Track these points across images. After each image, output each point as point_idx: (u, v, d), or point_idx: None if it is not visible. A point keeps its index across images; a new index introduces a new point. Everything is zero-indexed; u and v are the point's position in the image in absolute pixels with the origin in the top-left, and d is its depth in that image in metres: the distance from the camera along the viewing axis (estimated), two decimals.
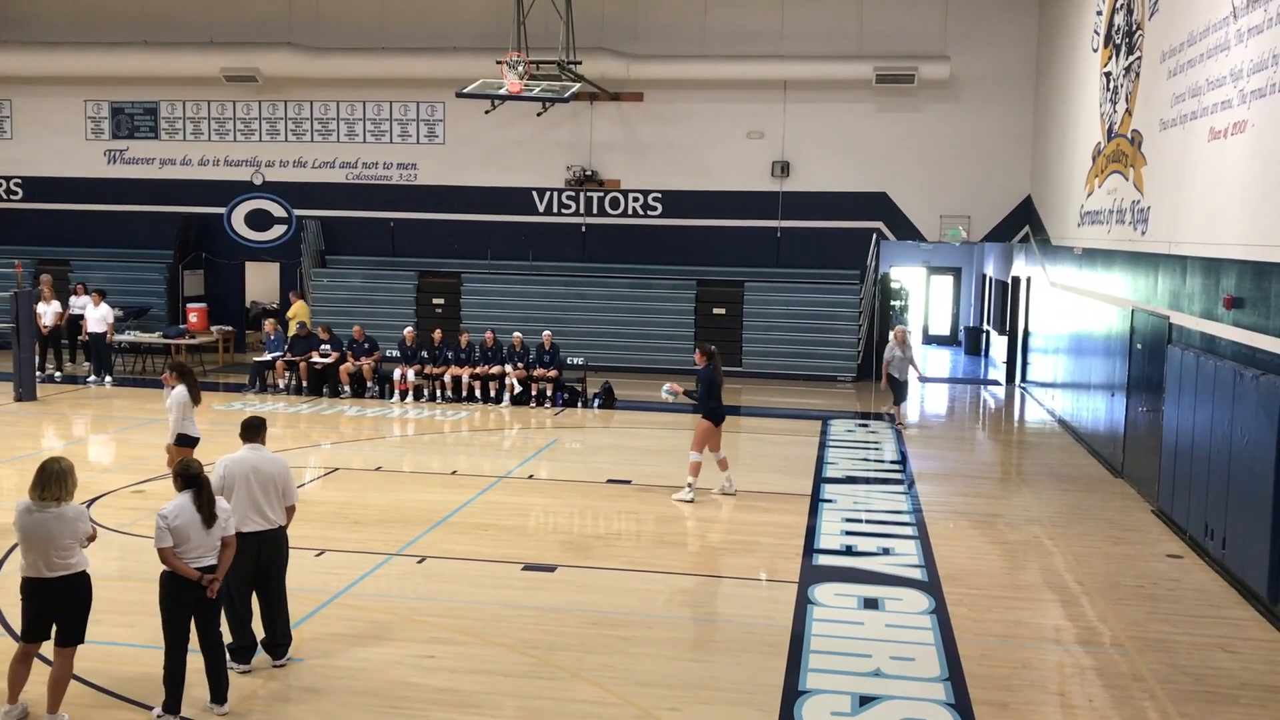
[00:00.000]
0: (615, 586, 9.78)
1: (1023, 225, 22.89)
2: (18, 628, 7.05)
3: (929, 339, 31.23)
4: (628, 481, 13.73)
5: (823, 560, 10.66)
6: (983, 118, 22.84)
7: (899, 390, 18.01)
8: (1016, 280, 23.76)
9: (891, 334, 18.57)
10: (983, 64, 22.69)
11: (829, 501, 12.91)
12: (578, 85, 20.86)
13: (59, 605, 6.77)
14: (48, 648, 6.90)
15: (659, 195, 24.08)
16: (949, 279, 31.73)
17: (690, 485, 12.80)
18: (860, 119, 23.26)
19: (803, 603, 9.38)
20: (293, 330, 22.26)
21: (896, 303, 29.23)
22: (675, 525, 11.80)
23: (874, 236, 23.36)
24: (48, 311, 20.74)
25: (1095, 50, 17.22)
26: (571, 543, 11.12)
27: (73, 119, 25.76)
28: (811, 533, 11.57)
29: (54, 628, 6.82)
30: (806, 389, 21.48)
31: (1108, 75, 16.33)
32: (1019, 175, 22.84)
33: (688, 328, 23.19)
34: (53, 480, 6.79)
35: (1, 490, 12.35)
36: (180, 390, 11.23)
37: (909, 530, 11.77)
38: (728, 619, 9.18)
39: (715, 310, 23.17)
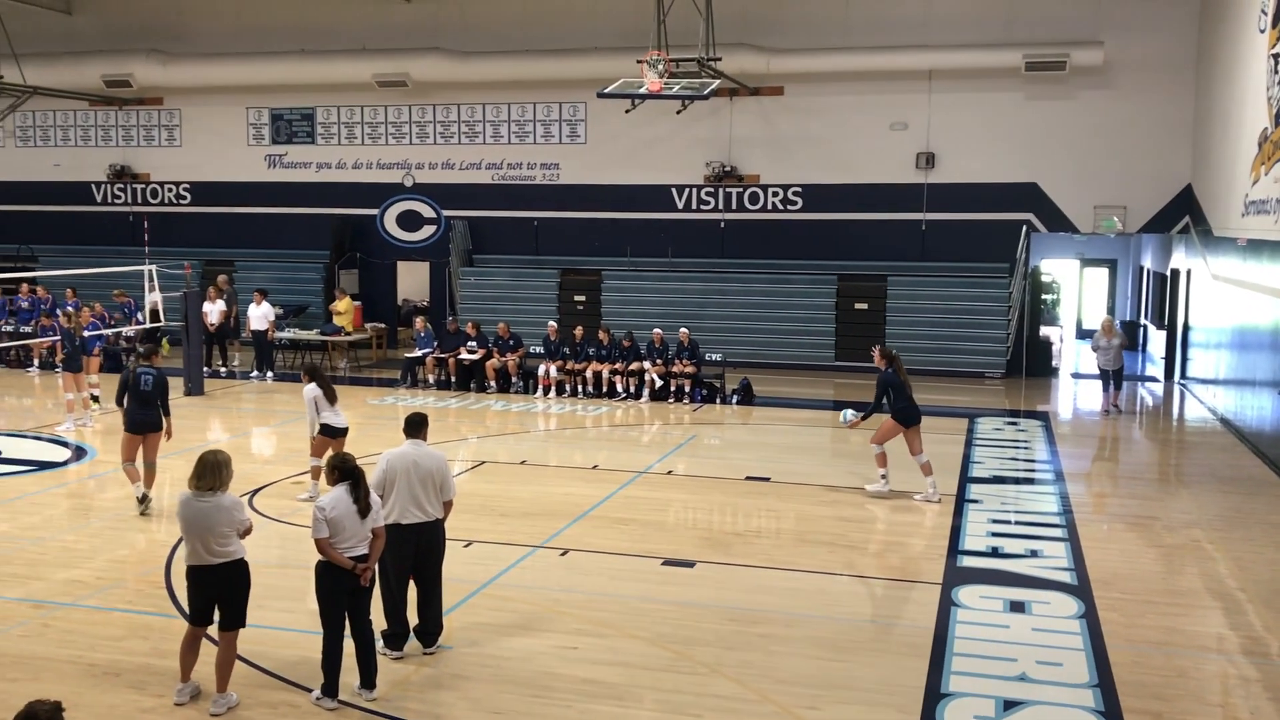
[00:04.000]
0: (754, 584, 9.80)
1: (1182, 215, 21.93)
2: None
3: (1082, 333, 30.18)
4: (767, 479, 13.72)
5: (967, 561, 10.46)
6: (1139, 104, 21.97)
7: (1105, 379, 18.70)
8: (1175, 272, 22.78)
9: (1100, 325, 19.22)
10: (1139, 49, 21.81)
11: (975, 502, 12.64)
12: (717, 82, 20.85)
13: (220, 591, 7.16)
14: (215, 631, 7.30)
15: (799, 189, 23.91)
16: (1104, 271, 30.60)
17: (883, 477, 12.79)
18: (1009, 108, 22.65)
19: (946, 604, 9.23)
20: (339, 321, 23.09)
21: (1048, 296, 28.34)
22: (816, 524, 11.74)
23: (1024, 228, 22.72)
24: (213, 310, 21.86)
25: (1262, 31, 16.37)
26: (710, 539, 11.17)
27: (236, 126, 27.07)
28: (956, 533, 11.36)
29: (217, 612, 7.23)
30: (953, 386, 21.03)
31: (1276, 57, 15.51)
32: (1178, 163, 21.88)
33: (829, 323, 22.99)
34: (209, 471, 7.20)
35: (175, 480, 13.07)
36: (311, 387, 11.95)
37: (1058, 532, 11.44)
38: (869, 619, 9.10)
39: (857, 305, 22.89)
